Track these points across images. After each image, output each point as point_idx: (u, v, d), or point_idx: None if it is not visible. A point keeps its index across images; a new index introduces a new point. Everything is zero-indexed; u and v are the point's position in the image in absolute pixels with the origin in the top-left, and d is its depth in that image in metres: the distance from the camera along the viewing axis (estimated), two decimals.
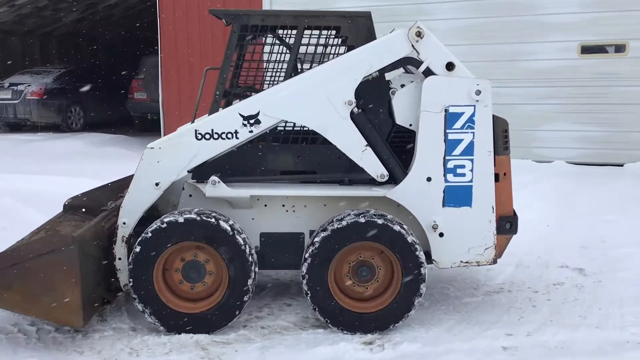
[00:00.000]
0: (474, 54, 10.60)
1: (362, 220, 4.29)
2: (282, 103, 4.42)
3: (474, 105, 4.42)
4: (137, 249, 4.25)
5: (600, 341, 4.21)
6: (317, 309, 4.35)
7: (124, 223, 4.44)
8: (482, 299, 5.02)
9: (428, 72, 4.42)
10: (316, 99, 4.40)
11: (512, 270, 5.64)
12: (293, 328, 4.45)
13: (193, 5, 12.61)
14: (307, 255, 4.30)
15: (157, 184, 4.44)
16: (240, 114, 4.41)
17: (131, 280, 4.27)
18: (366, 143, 4.44)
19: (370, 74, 4.44)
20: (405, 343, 4.20)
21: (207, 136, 4.43)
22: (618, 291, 5.08)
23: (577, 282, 5.35)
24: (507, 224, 4.61)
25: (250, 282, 4.29)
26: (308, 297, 4.33)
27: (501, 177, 4.57)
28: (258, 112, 4.42)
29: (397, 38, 4.42)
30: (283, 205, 4.68)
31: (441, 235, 4.51)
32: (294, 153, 4.61)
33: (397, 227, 4.28)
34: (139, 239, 4.28)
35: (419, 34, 4.36)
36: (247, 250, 4.29)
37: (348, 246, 4.32)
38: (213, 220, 4.26)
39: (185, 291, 4.42)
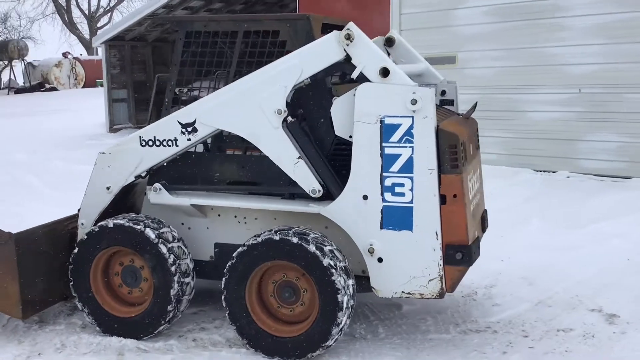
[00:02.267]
0: (619, 54, 9.29)
1: (277, 237, 4.00)
2: (216, 111, 4.29)
3: (412, 117, 3.89)
4: (76, 250, 4.43)
5: None
6: (236, 329, 4.16)
7: (82, 224, 4.65)
8: (452, 336, 4.40)
9: (362, 79, 3.99)
10: (248, 107, 4.20)
11: (526, 307, 4.86)
12: (222, 344, 4.30)
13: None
14: (225, 270, 4.14)
15: (108, 188, 4.58)
16: (178, 122, 4.38)
17: (72, 279, 4.46)
18: (298, 155, 4.14)
19: (302, 81, 4.12)
20: None
21: (150, 143, 4.46)
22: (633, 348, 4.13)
23: (593, 330, 4.43)
24: (457, 253, 3.97)
25: (172, 292, 4.24)
26: (227, 314, 4.16)
27: (449, 200, 3.95)
28: (195, 120, 4.34)
29: (328, 42, 4.04)
30: (235, 216, 4.55)
31: (380, 260, 4.04)
32: (239, 163, 4.46)
33: (311, 248, 3.93)
34: (77, 241, 4.45)
35: (348, 37, 3.94)
36: (171, 260, 4.24)
37: (264, 264, 4.07)
38: (140, 227, 4.28)
39: (124, 295, 4.51)
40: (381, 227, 4.02)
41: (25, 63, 35.85)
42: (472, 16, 10.50)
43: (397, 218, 3.98)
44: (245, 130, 4.27)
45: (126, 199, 4.78)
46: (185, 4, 16.33)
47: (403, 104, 3.87)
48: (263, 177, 4.38)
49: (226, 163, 4.48)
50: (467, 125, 4.45)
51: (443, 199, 3.94)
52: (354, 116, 3.99)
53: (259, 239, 4.05)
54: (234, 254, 4.11)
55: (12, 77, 36.75)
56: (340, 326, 3.95)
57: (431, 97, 3.86)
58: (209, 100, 4.33)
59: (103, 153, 4.59)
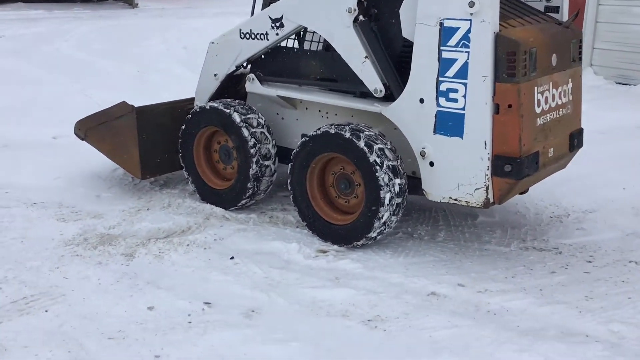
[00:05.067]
0: None
1: (332, 131, 4.24)
2: (299, 8, 4.53)
3: (470, 20, 3.79)
4: (183, 126, 5.09)
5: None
6: (297, 211, 4.55)
7: (196, 105, 5.29)
8: (510, 250, 4.35)
9: None
10: (324, 5, 4.37)
11: (613, 236, 4.57)
12: (291, 224, 4.71)
13: None
14: (291, 157, 4.50)
15: (215, 75, 5.12)
16: (269, 17, 4.70)
17: (180, 151, 5.15)
18: (365, 54, 4.26)
19: None
20: (347, 260, 4.14)
21: (247, 35, 4.86)
22: None
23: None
24: (506, 165, 3.87)
25: (251, 172, 4.72)
26: (291, 197, 4.56)
27: (503, 109, 3.83)
28: (282, 16, 4.63)
29: None
30: (319, 111, 4.84)
31: (431, 164, 4.11)
32: (320, 60, 4.68)
33: (361, 144, 4.11)
34: (185, 119, 5.09)
35: None
36: (251, 143, 4.70)
37: (322, 155, 4.35)
38: (230, 111, 4.77)
39: (220, 170, 5.11)
40: (434, 132, 4.05)
41: None
42: None
43: (449, 124, 3.98)
44: (322, 27, 4.46)
45: (237, 88, 5.29)
46: None
47: (461, 5, 3.77)
48: (340, 75, 4.57)
49: (310, 59, 4.74)
50: (552, 33, 4.16)
51: (497, 109, 3.84)
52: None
53: (319, 132, 4.32)
54: (298, 143, 4.44)
55: None
56: (382, 220, 4.13)
57: (492, 1, 3.70)
58: None
59: (212, 43, 5.11)
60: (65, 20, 16.42)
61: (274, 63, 4.90)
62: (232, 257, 4.16)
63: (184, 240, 4.38)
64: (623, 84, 9.98)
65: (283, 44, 4.92)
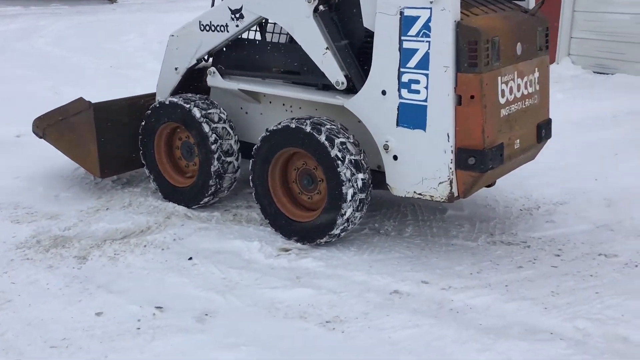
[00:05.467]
0: None
1: (293, 125, 4.11)
2: None
3: (430, 8, 3.66)
4: (143, 122, 4.93)
5: None
6: (260, 208, 4.42)
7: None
8: (477, 245, 4.23)
9: None
10: None
11: (584, 228, 4.47)
12: (255, 222, 4.57)
13: None
14: (252, 153, 4.36)
15: (176, 69, 4.96)
16: (229, 8, 4.55)
17: (141, 148, 5.00)
18: (326, 45, 4.12)
19: None
20: (309, 259, 4.01)
21: (207, 27, 4.71)
22: None
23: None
24: (470, 158, 3.76)
25: (213, 168, 4.58)
26: (253, 194, 4.42)
27: (465, 101, 3.71)
28: (241, 7, 4.49)
29: None
30: (283, 104, 4.70)
31: (395, 158, 3.99)
32: (282, 52, 4.55)
33: (322, 138, 3.98)
34: (145, 114, 4.93)
35: None
36: (212, 139, 4.55)
37: (283, 150, 4.21)
38: (190, 106, 4.62)
39: (182, 167, 4.96)
40: (397, 125, 3.93)
41: None
42: None
43: (411, 116, 3.86)
44: (282, 18, 4.33)
45: (200, 82, 5.14)
46: None
47: None
48: (302, 67, 4.43)
49: (272, 51, 4.60)
50: (517, 21, 4.04)
51: (459, 100, 3.72)
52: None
53: (280, 126, 4.18)
54: (259, 138, 4.30)
55: None
56: (345, 217, 4.01)
57: None
58: None
59: (172, 35, 4.95)
60: (43, 17, 16.16)
61: (236, 56, 4.75)
62: (190, 258, 4.02)
63: (142, 240, 4.24)
64: (601, 73, 9.91)
65: (250, 35, 4.79)
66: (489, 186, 4.42)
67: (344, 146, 3.99)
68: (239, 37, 4.70)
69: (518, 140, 4.09)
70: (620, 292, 3.59)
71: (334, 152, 3.96)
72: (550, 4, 10.65)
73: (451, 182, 3.82)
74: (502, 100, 3.89)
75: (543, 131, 4.35)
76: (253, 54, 4.67)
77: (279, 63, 4.58)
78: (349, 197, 3.96)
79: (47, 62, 10.95)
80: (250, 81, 4.69)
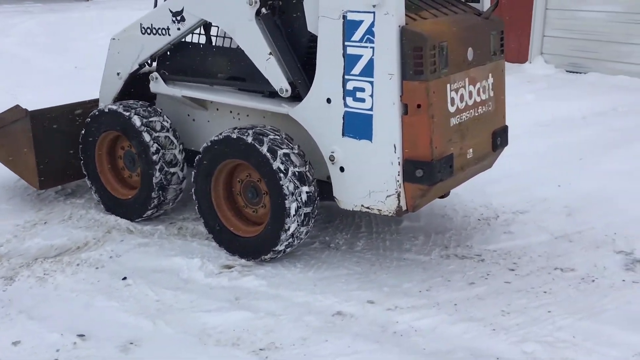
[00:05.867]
0: None
1: (234, 135, 3.89)
2: (200, 0, 4.15)
3: (373, 12, 3.45)
4: (83, 131, 4.68)
5: None
6: (203, 222, 4.19)
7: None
8: (429, 259, 4.04)
9: None
10: None
11: (542, 239, 4.30)
12: (200, 236, 4.35)
13: None
14: (194, 164, 4.14)
15: (118, 74, 4.72)
16: (170, 10, 4.32)
17: (81, 158, 4.75)
18: (270, 50, 3.90)
19: None
20: (252, 277, 3.80)
21: (149, 31, 4.47)
22: None
23: (599, 274, 3.82)
24: (418, 170, 3.56)
25: (155, 180, 4.34)
26: (196, 207, 4.20)
27: (412, 110, 3.51)
28: (182, 9, 4.26)
29: None
30: (230, 112, 4.48)
31: (342, 170, 3.78)
32: (227, 57, 4.32)
33: (263, 149, 3.76)
34: (85, 122, 4.68)
35: None
36: (153, 149, 4.31)
37: (226, 161, 3.99)
38: (129, 114, 4.38)
39: (126, 178, 4.71)
40: (343, 134, 3.72)
41: None
42: None
43: (357, 126, 3.66)
44: (224, 21, 4.11)
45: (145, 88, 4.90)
46: None
47: None
48: (248, 73, 4.21)
49: (217, 56, 4.37)
50: (468, 25, 3.84)
51: (405, 109, 3.52)
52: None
53: (221, 136, 3.96)
54: (201, 149, 4.08)
55: None
56: (290, 232, 3.80)
57: None
58: None
59: (114, 39, 4.70)
60: (15, 14, 15.77)
61: (180, 60, 4.52)
62: (124, 278, 3.79)
63: (75, 259, 4.00)
64: (574, 72, 9.78)
65: (195, 39, 4.56)
66: (442, 197, 4.24)
67: (287, 158, 3.78)
68: (183, 40, 4.47)
69: (471, 150, 3.91)
70: (573, 310, 3.42)
71: (276, 164, 3.74)
72: (522, 2, 10.55)
73: (399, 196, 3.62)
74: (452, 109, 3.69)
75: (499, 139, 4.16)
76: (197, 58, 4.44)
77: (225, 69, 4.35)
78: (292, 212, 3.75)
79: (8, 62, 10.63)
80: (194, 87, 4.46)
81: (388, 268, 3.93)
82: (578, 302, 3.52)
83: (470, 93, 3.84)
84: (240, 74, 4.27)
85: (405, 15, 3.55)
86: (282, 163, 3.74)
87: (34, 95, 7.67)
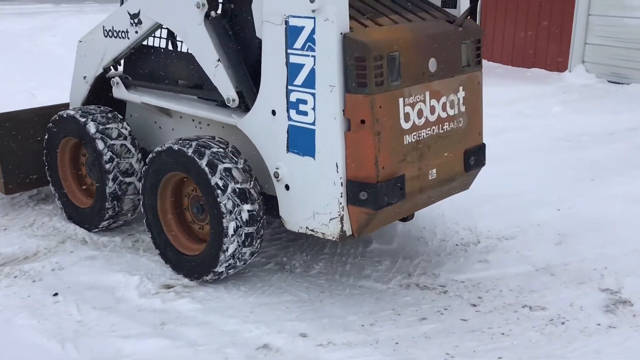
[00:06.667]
0: None
1: (176, 147, 3.64)
2: (154, 2, 3.93)
3: (314, 18, 3.14)
4: (46, 136, 4.53)
5: None
6: (151, 237, 3.96)
7: None
8: (387, 288, 3.68)
9: None
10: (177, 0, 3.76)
11: (520, 271, 3.89)
12: (152, 251, 4.09)
13: None
14: (142, 175, 3.91)
15: (84, 78, 4.55)
16: (128, 12, 4.11)
17: (45, 163, 4.60)
18: (218, 57, 3.64)
19: None
20: (187, 299, 3.54)
21: (110, 33, 4.28)
22: None
23: (573, 315, 3.39)
24: (362, 192, 3.22)
25: (108, 190, 4.14)
26: (144, 220, 3.97)
27: (355, 126, 3.17)
28: (139, 11, 4.04)
29: None
30: (193, 120, 4.24)
31: (287, 188, 3.48)
32: (185, 63, 4.08)
33: (202, 163, 3.49)
34: (48, 127, 4.53)
35: None
36: (107, 158, 4.11)
37: (170, 174, 3.75)
38: (85, 120, 4.19)
39: (88, 186, 4.54)
40: (287, 150, 3.42)
41: None
42: None
43: (301, 141, 3.35)
44: (176, 25, 3.88)
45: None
46: None
47: (304, 0, 3.12)
48: (205, 80, 3.96)
49: (176, 62, 4.14)
50: (431, 33, 3.46)
51: (348, 124, 3.19)
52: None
53: (164, 147, 3.72)
54: (147, 160, 3.85)
55: None
56: (229, 253, 3.52)
57: None
58: None
59: (80, 41, 4.54)
60: (68, 14, 16.10)
61: (141, 65, 4.31)
62: (55, 294, 3.60)
63: (16, 270, 3.84)
64: (616, 82, 9.16)
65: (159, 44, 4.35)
66: (404, 220, 3.88)
67: (228, 173, 3.50)
68: (145, 44, 4.26)
69: (434, 170, 3.53)
70: (527, 357, 3.01)
71: (215, 179, 3.47)
72: (562, 7, 9.95)
73: (342, 219, 3.29)
74: (407, 125, 3.33)
75: (472, 158, 3.77)
76: (157, 64, 4.22)
77: (184, 75, 4.12)
78: (230, 232, 3.47)
79: (44, 61, 10.72)
80: (154, 94, 4.24)
81: (338, 296, 3.60)
82: (537, 348, 3.11)
83: (433, 108, 3.47)
84: (199, 80, 4.02)
85: (355, 21, 3.23)
86: (220, 179, 3.47)
87: (55, 94, 7.62)
